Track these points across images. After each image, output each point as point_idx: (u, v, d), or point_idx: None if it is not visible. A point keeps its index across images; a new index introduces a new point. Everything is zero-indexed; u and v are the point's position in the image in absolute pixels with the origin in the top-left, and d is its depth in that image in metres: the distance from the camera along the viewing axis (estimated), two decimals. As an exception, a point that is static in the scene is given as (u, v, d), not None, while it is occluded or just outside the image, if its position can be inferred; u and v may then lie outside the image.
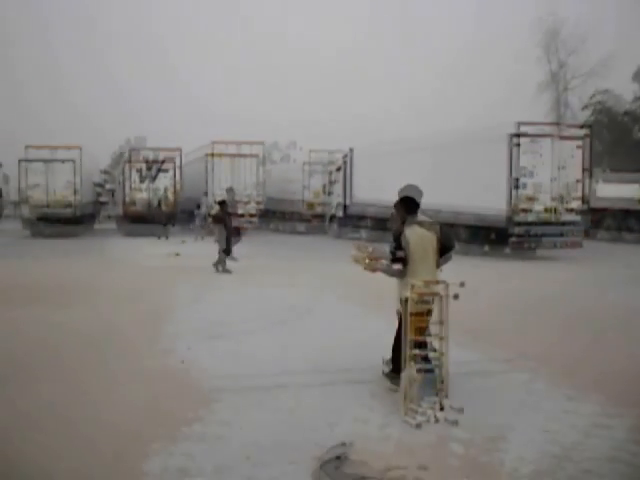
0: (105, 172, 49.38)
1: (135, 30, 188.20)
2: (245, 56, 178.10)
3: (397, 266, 6.24)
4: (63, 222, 32.22)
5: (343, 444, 4.83)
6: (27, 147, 32.33)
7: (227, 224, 18.23)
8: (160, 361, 7.87)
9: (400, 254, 6.23)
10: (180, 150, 33.99)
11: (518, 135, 20.23)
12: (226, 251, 17.84)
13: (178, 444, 5.20)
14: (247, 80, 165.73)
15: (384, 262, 6.49)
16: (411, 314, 5.81)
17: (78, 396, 6.50)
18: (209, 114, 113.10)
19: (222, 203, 19.03)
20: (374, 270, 6.53)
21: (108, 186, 49.78)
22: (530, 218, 20.34)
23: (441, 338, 5.89)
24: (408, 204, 6.50)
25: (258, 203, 32.95)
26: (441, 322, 5.91)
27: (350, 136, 50.95)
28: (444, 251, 6.49)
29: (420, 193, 6.57)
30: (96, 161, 43.32)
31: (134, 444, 5.21)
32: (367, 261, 6.52)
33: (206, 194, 32.75)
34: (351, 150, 31.21)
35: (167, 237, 30.93)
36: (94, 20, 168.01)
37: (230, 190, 19.07)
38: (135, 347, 8.66)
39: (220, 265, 17.56)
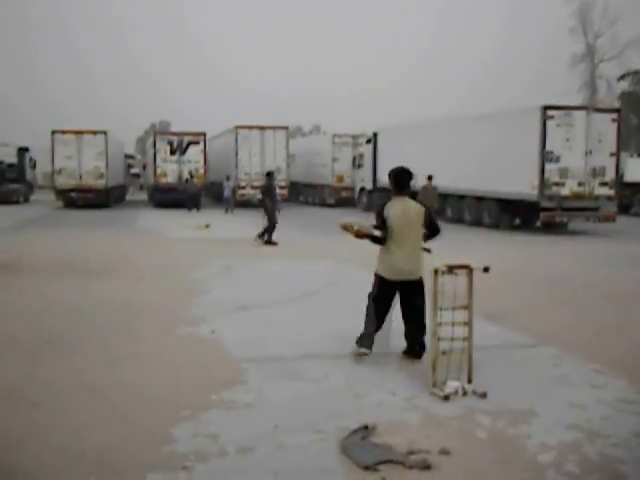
0: (130, 157, 49.69)
1: (159, 13, 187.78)
2: (269, 38, 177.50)
3: (377, 232, 6.55)
4: (95, 193, 32.66)
5: (366, 427, 4.86)
6: (53, 132, 32.64)
7: (273, 196, 18.40)
8: (191, 330, 7.97)
9: (377, 223, 6.58)
10: (204, 135, 34.03)
11: (551, 107, 19.92)
12: (271, 222, 17.91)
13: (207, 412, 5.29)
14: (271, 64, 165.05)
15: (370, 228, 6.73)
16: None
17: (108, 364, 6.61)
18: (233, 99, 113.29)
19: (269, 174, 19.14)
20: (362, 236, 6.66)
21: (139, 157, 50.22)
22: (562, 192, 20.10)
23: (465, 323, 5.86)
24: (396, 183, 6.67)
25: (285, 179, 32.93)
26: (465, 307, 5.87)
27: (377, 118, 50.73)
28: (430, 234, 6.68)
29: (410, 175, 6.71)
30: (122, 145, 43.63)
31: (164, 411, 5.31)
32: (355, 228, 6.67)
33: (236, 166, 32.86)
34: (375, 135, 31.07)
35: (198, 209, 31.19)
36: (111, 4, 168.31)
37: (270, 173, 19.47)
38: (166, 317, 8.77)
39: (265, 235, 17.76)
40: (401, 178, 6.66)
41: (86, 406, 5.47)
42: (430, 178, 21.23)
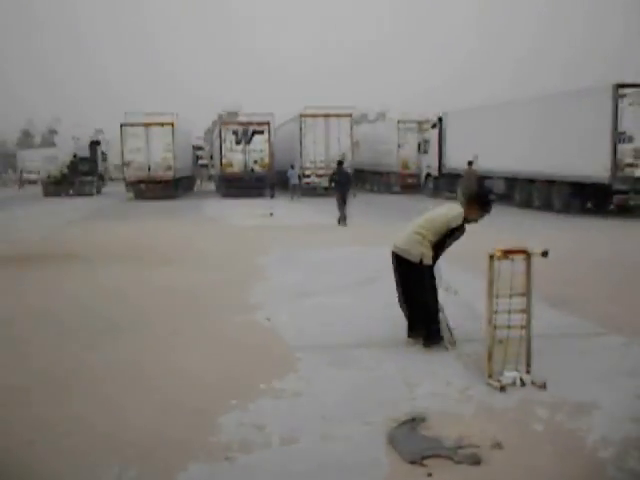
0: (199, 148, 50.47)
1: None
2: (333, 25, 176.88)
3: None
4: (163, 184, 33.25)
5: (415, 419, 4.68)
6: (122, 125, 33.31)
7: (342, 183, 19.80)
8: (247, 318, 7.93)
9: None
10: (269, 124, 34.21)
11: (623, 86, 19.07)
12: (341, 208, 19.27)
13: (255, 401, 5.21)
14: (336, 53, 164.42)
15: None
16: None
17: (161, 351, 6.64)
18: (299, 87, 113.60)
19: (340, 163, 20.85)
20: None
21: (207, 148, 50.88)
22: (637, 174, 19.23)
23: (523, 310, 5.58)
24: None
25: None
26: (523, 294, 5.59)
27: (442, 102, 49.87)
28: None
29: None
30: (191, 132, 44.29)
31: (212, 399, 5.26)
32: None
33: (300, 154, 32.87)
34: (440, 119, 30.56)
35: (272, 196, 31.48)
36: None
37: (340, 162, 21.42)
38: (224, 304, 8.77)
39: (341, 221, 19.06)
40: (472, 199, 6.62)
41: (136, 392, 5.49)
42: (470, 163, 22.67)
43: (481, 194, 6.91)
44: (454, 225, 6.39)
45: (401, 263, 6.59)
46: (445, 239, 6.45)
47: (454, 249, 6.75)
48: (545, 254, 5.59)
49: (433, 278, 6.47)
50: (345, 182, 19.93)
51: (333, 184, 20.42)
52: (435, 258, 6.51)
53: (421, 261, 6.37)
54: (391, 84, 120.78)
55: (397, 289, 6.77)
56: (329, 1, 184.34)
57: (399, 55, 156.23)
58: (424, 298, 6.45)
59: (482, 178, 24.38)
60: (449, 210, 6.57)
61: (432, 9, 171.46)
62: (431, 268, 6.44)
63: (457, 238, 6.55)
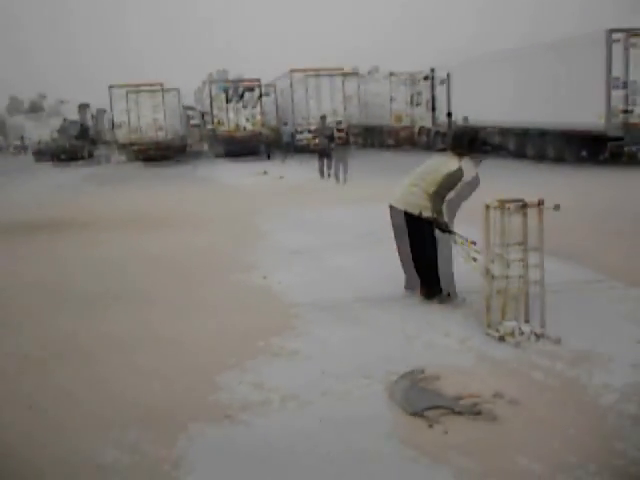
0: (190, 108, 49.80)
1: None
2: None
3: None
4: (155, 146, 32.95)
5: (412, 371, 4.65)
6: (111, 87, 32.81)
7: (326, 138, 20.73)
8: (242, 276, 7.89)
9: None
10: (259, 81, 33.64)
11: (616, 30, 18.76)
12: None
13: (254, 359, 5.18)
14: (326, 9, 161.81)
15: None
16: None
17: (159, 313, 6.61)
18: (288, 45, 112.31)
19: (323, 118, 22.17)
20: None
21: (199, 107, 50.25)
22: (632, 120, 19.03)
23: (521, 260, 5.50)
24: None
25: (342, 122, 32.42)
26: (521, 243, 5.51)
27: (435, 56, 49.19)
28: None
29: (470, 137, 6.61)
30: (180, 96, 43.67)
31: (210, 359, 5.23)
32: None
33: (292, 111, 32.51)
34: (433, 70, 30.21)
35: (269, 156, 31.00)
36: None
37: (323, 117, 22.37)
38: (219, 264, 8.74)
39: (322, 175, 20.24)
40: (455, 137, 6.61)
41: (134, 355, 5.46)
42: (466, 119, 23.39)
43: (456, 131, 6.83)
44: (446, 171, 6.24)
45: (399, 216, 6.51)
46: (447, 190, 6.30)
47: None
48: (557, 207, 5.45)
49: (432, 231, 6.35)
50: (329, 138, 20.71)
51: (317, 139, 21.41)
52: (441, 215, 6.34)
53: (420, 213, 6.29)
54: (382, 42, 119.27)
55: (396, 242, 6.71)
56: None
57: (392, 13, 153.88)
58: (424, 250, 6.38)
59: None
60: (439, 159, 6.54)
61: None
62: (429, 221, 6.31)
63: (470, 189, 6.34)
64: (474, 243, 5.89)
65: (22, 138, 55.18)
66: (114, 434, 4.06)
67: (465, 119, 23.91)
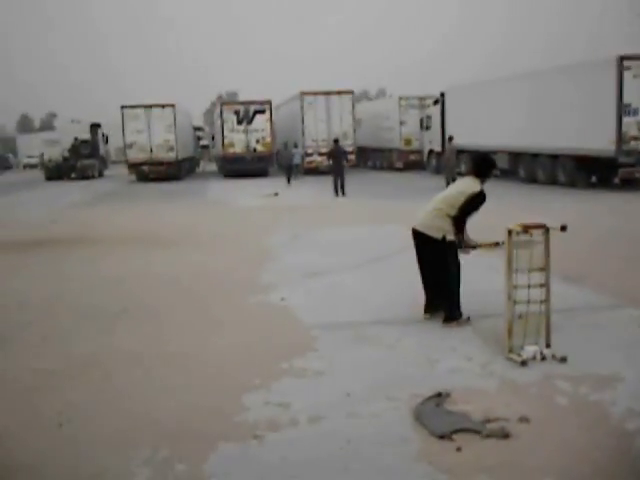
0: (199, 129, 50.17)
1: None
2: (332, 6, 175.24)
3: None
4: (166, 166, 33.18)
5: (440, 394, 4.70)
6: (123, 107, 33.12)
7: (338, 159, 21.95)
8: (261, 298, 7.94)
9: None
10: (270, 103, 33.93)
11: (628, 58, 18.91)
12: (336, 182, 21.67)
13: (278, 380, 5.23)
14: (333, 32, 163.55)
15: None
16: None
17: (181, 333, 6.67)
18: (298, 67, 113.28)
19: (336, 141, 23.25)
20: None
21: (208, 129, 50.60)
22: (642, 146, 19.11)
23: (542, 285, 5.57)
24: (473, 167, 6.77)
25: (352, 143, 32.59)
26: (542, 269, 5.58)
27: (444, 79, 49.53)
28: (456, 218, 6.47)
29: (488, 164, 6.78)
30: (190, 117, 44.05)
31: (235, 380, 5.28)
32: None
33: (302, 133, 32.73)
34: (443, 95, 30.34)
35: (289, 180, 30.74)
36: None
37: (336, 141, 23.59)
38: (236, 285, 8.78)
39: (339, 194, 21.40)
40: (476, 163, 6.74)
41: (159, 374, 5.51)
42: (450, 139, 23.54)
43: (476, 158, 6.91)
44: (469, 192, 6.37)
45: (422, 240, 6.60)
46: (466, 212, 6.41)
47: (467, 226, 6.72)
48: (564, 229, 5.59)
49: (456, 254, 6.46)
50: (340, 159, 22.02)
51: (331, 160, 22.79)
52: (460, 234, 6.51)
53: (444, 237, 6.37)
54: (387, 62, 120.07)
55: (419, 267, 6.78)
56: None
57: (394, 33, 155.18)
58: (446, 275, 6.45)
59: (460, 152, 24.87)
60: (461, 182, 6.72)
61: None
62: (453, 244, 6.42)
63: (477, 207, 6.47)
64: (497, 244, 6.14)
65: (42, 155, 55.22)
66: (144, 452, 4.11)
67: (450, 139, 24.03)
